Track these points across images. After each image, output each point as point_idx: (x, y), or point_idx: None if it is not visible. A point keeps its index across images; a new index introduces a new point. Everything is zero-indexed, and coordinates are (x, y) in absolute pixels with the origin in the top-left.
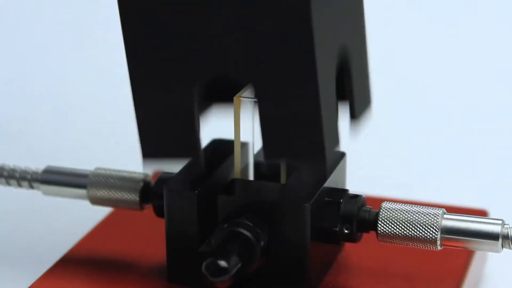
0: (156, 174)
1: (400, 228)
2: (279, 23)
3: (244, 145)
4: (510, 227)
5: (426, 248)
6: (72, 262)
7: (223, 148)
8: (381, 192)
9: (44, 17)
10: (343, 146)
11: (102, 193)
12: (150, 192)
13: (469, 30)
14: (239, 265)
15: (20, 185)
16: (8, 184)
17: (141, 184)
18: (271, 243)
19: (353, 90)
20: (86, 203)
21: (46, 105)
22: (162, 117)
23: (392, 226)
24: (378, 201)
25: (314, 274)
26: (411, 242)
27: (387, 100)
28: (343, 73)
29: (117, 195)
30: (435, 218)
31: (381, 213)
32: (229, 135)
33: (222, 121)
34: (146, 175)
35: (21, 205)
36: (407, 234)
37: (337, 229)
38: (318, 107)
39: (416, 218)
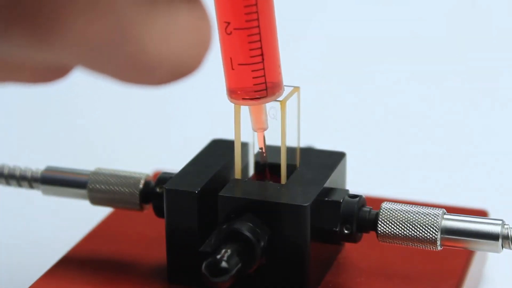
0: (156, 174)
1: (400, 228)
2: None
3: (244, 145)
4: (510, 227)
5: (426, 248)
6: (72, 262)
7: (223, 148)
8: (381, 192)
9: None
10: (343, 146)
11: (102, 193)
12: (150, 192)
13: (467, 34)
14: (239, 265)
15: (20, 185)
16: (8, 184)
17: (141, 184)
18: (271, 243)
19: None
20: (86, 203)
21: (47, 105)
22: None
23: (392, 226)
24: (378, 201)
25: (314, 274)
26: (411, 242)
27: (386, 100)
28: None
29: (117, 195)
30: (435, 218)
31: (381, 213)
32: (229, 135)
33: (222, 121)
34: (146, 175)
35: (21, 205)
36: (407, 234)
37: (337, 229)
38: None
39: (416, 218)
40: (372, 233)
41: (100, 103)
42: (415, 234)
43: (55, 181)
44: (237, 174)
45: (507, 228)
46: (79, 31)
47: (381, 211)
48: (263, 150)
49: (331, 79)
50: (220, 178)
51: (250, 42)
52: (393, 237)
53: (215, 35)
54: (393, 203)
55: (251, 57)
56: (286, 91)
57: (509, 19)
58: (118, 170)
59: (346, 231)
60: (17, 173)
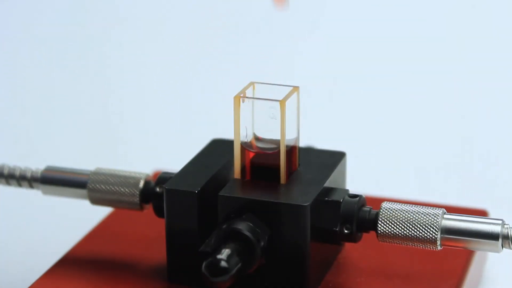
0: (156, 174)
1: (400, 228)
2: None
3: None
4: (510, 227)
5: (426, 248)
6: (72, 262)
7: (223, 148)
8: (381, 192)
9: (45, 17)
10: (343, 146)
11: (102, 193)
12: (150, 192)
13: (467, 34)
14: (239, 265)
15: (20, 185)
16: (8, 184)
17: (141, 184)
18: (271, 243)
19: None
20: (86, 203)
21: (47, 105)
22: None
23: (392, 226)
24: (378, 201)
25: (314, 274)
26: (411, 242)
27: (387, 100)
28: None
29: (117, 195)
30: (435, 218)
31: (381, 213)
32: (229, 135)
33: (222, 121)
34: (146, 175)
35: (21, 205)
36: (407, 234)
37: (337, 229)
38: None
39: (416, 218)
40: (372, 233)
41: (99, 103)
42: (415, 234)
43: (55, 181)
44: (237, 174)
45: (507, 228)
46: None
47: (381, 211)
48: None
49: (331, 79)
50: (220, 178)
51: None
52: (393, 237)
53: None
54: (393, 203)
55: None
56: (285, 91)
57: (509, 19)
58: (118, 170)
59: (346, 231)
60: (17, 173)
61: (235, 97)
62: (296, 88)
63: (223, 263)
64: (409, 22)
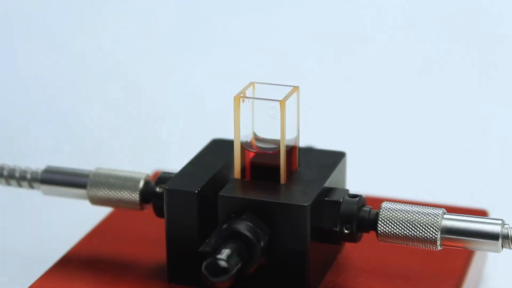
0: (156, 174)
1: (400, 228)
2: None
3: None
4: (510, 227)
5: (426, 248)
6: (72, 262)
7: (223, 148)
8: (381, 192)
9: (43, 18)
10: (343, 146)
11: (102, 193)
12: (150, 192)
13: (467, 34)
14: (239, 265)
15: (20, 185)
16: (8, 184)
17: (141, 184)
18: (271, 243)
19: None
20: (86, 203)
21: (46, 105)
22: None
23: (392, 226)
24: (378, 201)
25: (314, 274)
26: (411, 242)
27: (387, 100)
28: None
29: (117, 195)
30: (435, 218)
31: (381, 213)
32: (229, 135)
33: (222, 121)
34: (146, 175)
35: (21, 205)
36: (407, 234)
37: (337, 229)
38: None
39: (416, 218)
40: (372, 233)
41: (100, 103)
42: (415, 233)
43: (55, 181)
44: (237, 174)
45: (507, 228)
46: None
47: (381, 210)
48: None
49: (331, 79)
50: (220, 178)
51: None
52: (393, 236)
53: None
54: (393, 203)
55: None
56: (285, 91)
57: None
58: (118, 170)
59: (346, 231)
60: (17, 173)
61: (235, 97)
62: (296, 88)
63: (223, 263)
64: (409, 21)
